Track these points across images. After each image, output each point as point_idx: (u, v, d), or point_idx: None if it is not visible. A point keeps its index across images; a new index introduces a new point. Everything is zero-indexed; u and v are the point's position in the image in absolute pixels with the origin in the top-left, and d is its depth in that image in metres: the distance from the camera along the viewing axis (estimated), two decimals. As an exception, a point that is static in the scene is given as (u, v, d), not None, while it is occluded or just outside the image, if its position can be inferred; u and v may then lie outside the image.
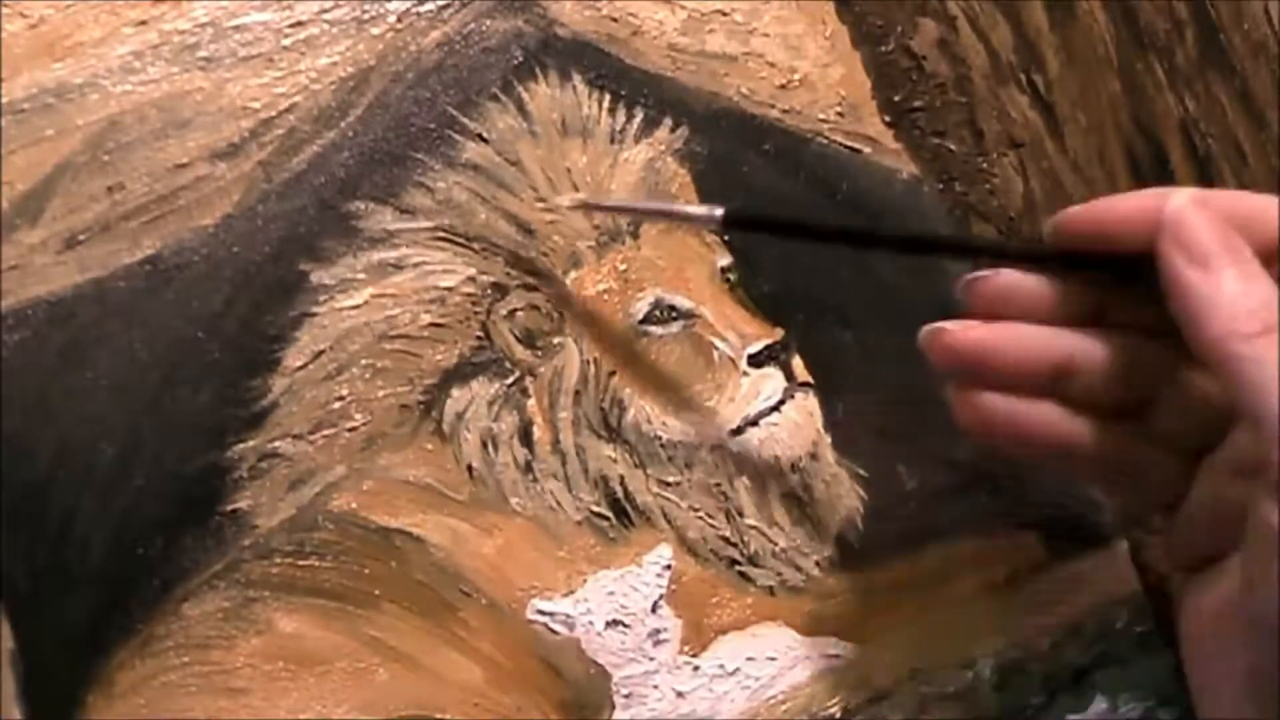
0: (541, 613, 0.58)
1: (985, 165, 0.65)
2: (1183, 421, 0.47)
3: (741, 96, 0.63)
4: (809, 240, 0.57)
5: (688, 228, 0.61)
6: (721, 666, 0.59)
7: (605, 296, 0.60)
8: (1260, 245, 0.43)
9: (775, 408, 0.60)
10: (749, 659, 0.59)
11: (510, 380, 0.59)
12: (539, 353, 0.60)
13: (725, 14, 0.64)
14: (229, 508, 0.57)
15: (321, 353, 0.58)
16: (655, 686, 0.58)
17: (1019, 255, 0.49)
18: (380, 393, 0.59)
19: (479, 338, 0.59)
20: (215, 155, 0.59)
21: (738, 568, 0.60)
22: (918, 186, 0.64)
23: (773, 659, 0.59)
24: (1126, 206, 0.46)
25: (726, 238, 0.62)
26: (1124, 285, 0.46)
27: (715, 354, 0.60)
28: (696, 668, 0.59)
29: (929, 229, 0.50)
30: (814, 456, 0.61)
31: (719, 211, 0.53)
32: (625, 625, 0.58)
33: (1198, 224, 0.43)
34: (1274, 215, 0.44)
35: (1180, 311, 0.42)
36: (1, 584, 0.55)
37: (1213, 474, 0.46)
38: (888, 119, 0.64)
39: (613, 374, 0.60)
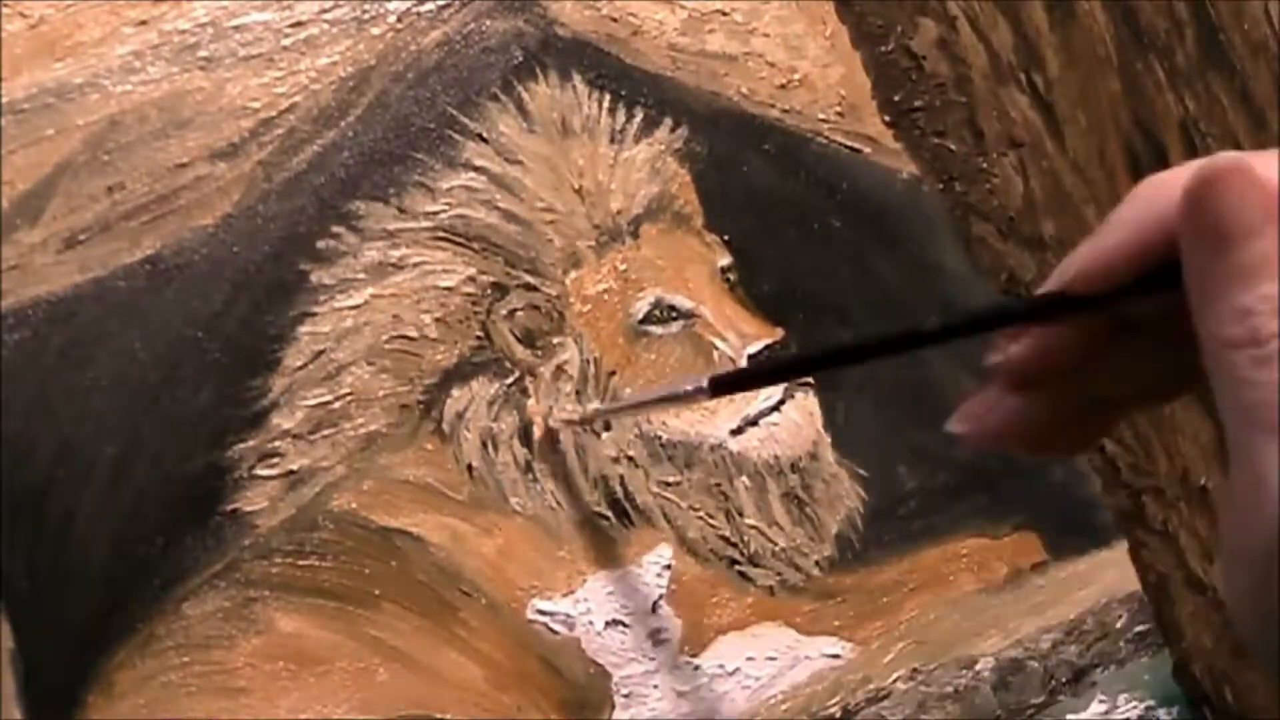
0: (541, 612, 0.58)
1: (985, 165, 0.65)
2: None
3: (742, 96, 0.63)
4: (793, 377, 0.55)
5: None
6: (721, 666, 0.59)
7: (605, 296, 0.60)
8: None
9: (775, 408, 0.60)
10: (749, 658, 0.59)
11: (510, 380, 0.59)
12: (539, 352, 0.60)
13: (725, 14, 0.64)
14: (229, 507, 0.57)
15: (321, 352, 0.58)
16: (655, 686, 0.58)
17: (1037, 313, 0.41)
18: (380, 392, 0.59)
19: (479, 338, 0.59)
20: (215, 155, 0.59)
21: (738, 567, 0.60)
22: (918, 186, 0.64)
23: (773, 659, 0.59)
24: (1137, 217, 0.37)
25: (726, 237, 0.62)
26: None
27: (715, 354, 0.60)
28: (697, 667, 0.59)
29: (924, 323, 0.45)
30: (814, 456, 0.61)
31: (704, 382, 0.48)
32: (625, 625, 0.58)
33: (1221, 194, 0.35)
34: None
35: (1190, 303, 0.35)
36: (2, 583, 0.55)
37: None
38: (888, 119, 0.64)
39: (613, 374, 0.60)
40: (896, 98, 0.65)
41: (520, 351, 0.59)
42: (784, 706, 0.59)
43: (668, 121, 0.62)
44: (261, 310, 0.58)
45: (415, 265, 0.59)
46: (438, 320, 0.59)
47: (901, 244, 0.64)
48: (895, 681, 0.60)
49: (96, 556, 0.55)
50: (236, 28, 0.60)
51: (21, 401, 0.56)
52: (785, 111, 0.64)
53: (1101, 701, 0.61)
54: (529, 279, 0.60)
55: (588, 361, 0.60)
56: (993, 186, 0.64)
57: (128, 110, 0.59)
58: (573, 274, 0.60)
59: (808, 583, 0.60)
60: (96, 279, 0.57)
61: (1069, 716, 0.61)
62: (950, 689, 0.60)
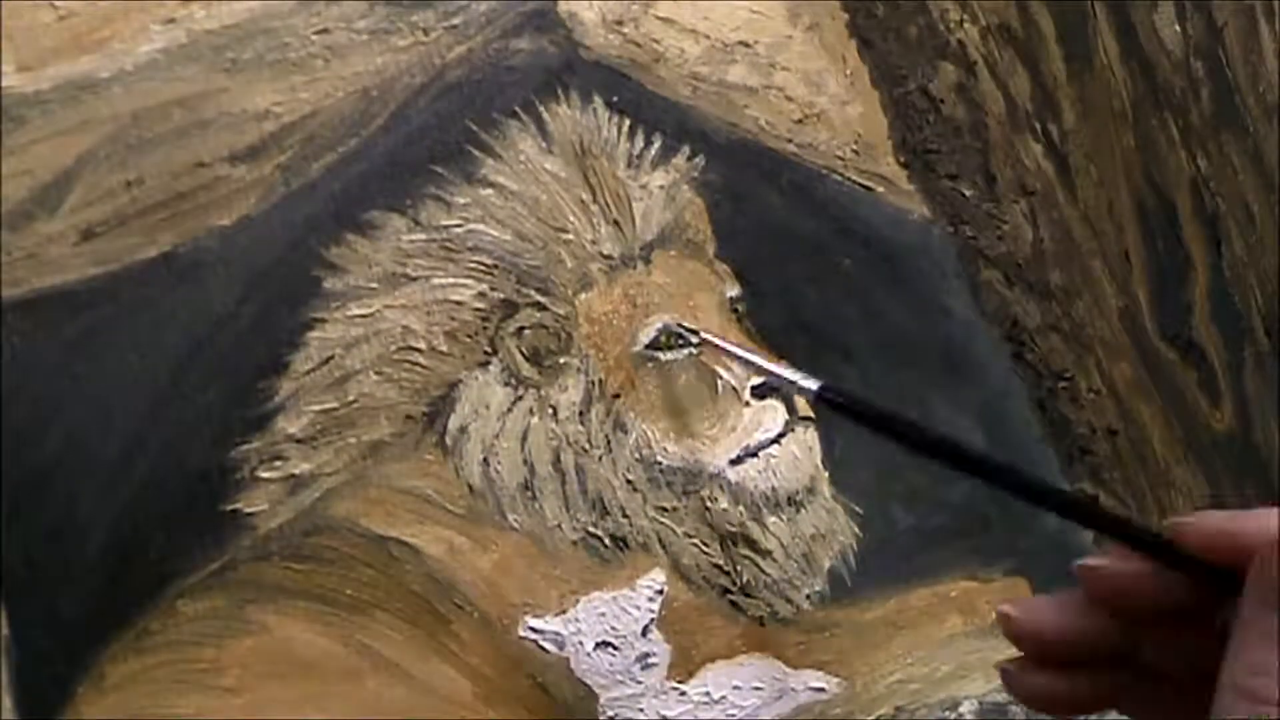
0: (533, 630, 0.58)
1: (996, 211, 0.65)
2: None
3: (760, 129, 0.64)
4: (901, 442, 0.49)
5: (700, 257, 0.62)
6: (707, 694, 0.59)
7: (614, 320, 0.61)
8: None
9: (775, 440, 0.61)
10: (735, 688, 0.59)
11: (515, 397, 0.60)
12: (545, 371, 0.60)
13: (748, 45, 0.64)
14: (230, 507, 0.57)
15: (330, 359, 0.59)
16: (641, 710, 0.59)
17: (1138, 540, 0.43)
18: (385, 402, 0.59)
19: (486, 353, 0.60)
20: (235, 156, 0.59)
21: (729, 596, 0.60)
22: (928, 228, 0.65)
23: (758, 689, 0.60)
24: (1254, 526, 0.41)
25: (737, 267, 0.62)
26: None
27: (719, 383, 0.61)
28: (683, 694, 0.59)
29: (1050, 483, 0.45)
30: (811, 491, 0.61)
31: (813, 385, 0.51)
32: (615, 647, 0.59)
33: None
34: None
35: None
36: (1, 571, 0.55)
37: None
38: (902, 159, 0.65)
39: (617, 397, 0.60)
40: (912, 139, 0.65)
41: (527, 369, 0.60)
42: (767, 736, 0.60)
43: (685, 149, 0.63)
44: (273, 313, 0.59)
45: (427, 278, 0.60)
46: (446, 333, 0.60)
47: (909, 285, 0.64)
48: (879, 719, 0.60)
49: (95, 548, 0.56)
50: (263, 31, 0.60)
51: (29, 390, 0.56)
52: (802, 146, 0.64)
53: (1081, 749, 0.61)
54: (539, 298, 0.60)
55: (592, 383, 0.60)
56: (1002, 233, 0.65)
57: (151, 107, 0.59)
58: (583, 295, 0.61)
59: (798, 615, 0.61)
60: (111, 273, 0.58)
61: (1048, 762, 0.61)
62: (932, 728, 0.61)
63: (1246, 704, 0.37)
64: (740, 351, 0.59)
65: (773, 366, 0.56)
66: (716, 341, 0.59)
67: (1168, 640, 0.43)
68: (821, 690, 0.60)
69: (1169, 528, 0.42)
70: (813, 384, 0.51)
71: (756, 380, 0.61)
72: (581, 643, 0.58)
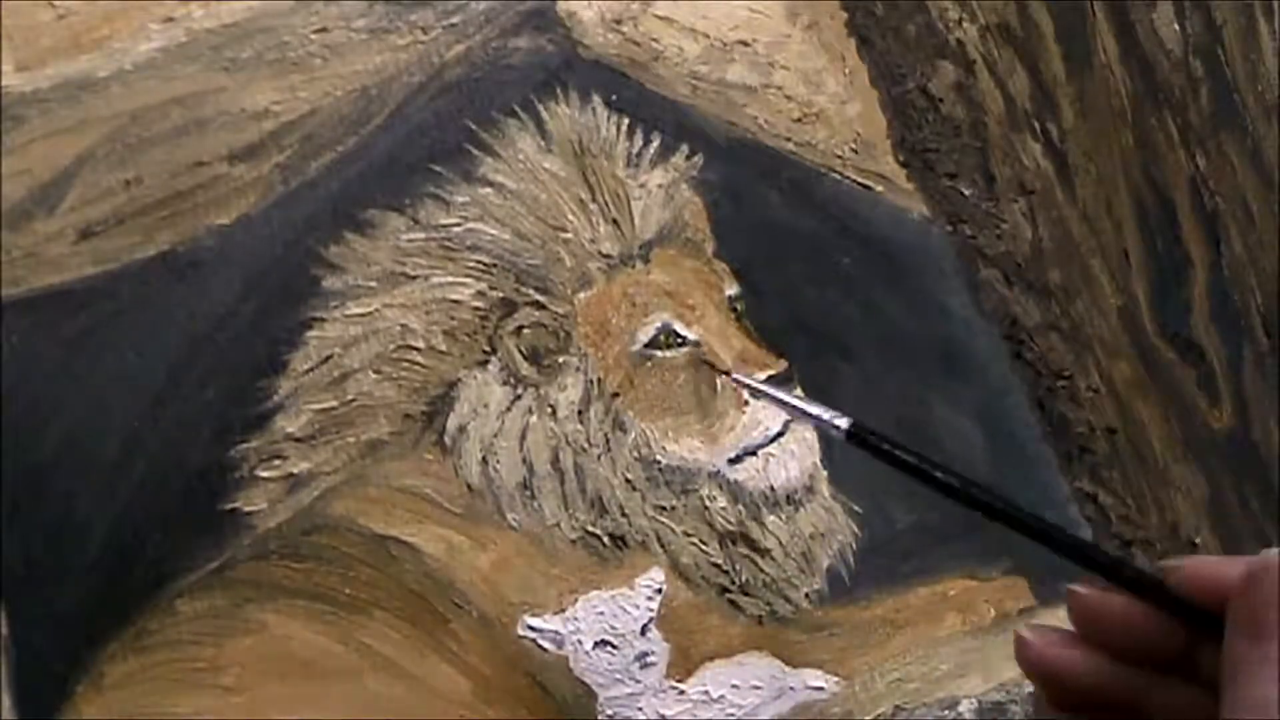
0: (532, 629, 0.58)
1: (995, 210, 0.65)
2: None
3: (759, 128, 0.64)
4: (924, 482, 0.49)
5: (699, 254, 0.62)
6: (706, 693, 0.59)
7: (613, 318, 0.61)
8: None
9: (774, 439, 0.61)
10: (734, 686, 0.59)
11: (514, 396, 0.60)
12: (544, 370, 0.60)
13: (747, 44, 0.64)
14: (228, 506, 0.57)
15: (329, 358, 0.59)
16: (640, 709, 0.59)
17: (1128, 581, 0.43)
18: (384, 401, 0.59)
19: (485, 352, 0.60)
20: (234, 155, 0.59)
21: (728, 595, 0.60)
22: (927, 227, 0.65)
23: (757, 688, 0.60)
24: (1237, 569, 0.40)
25: (736, 266, 0.62)
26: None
27: (718, 382, 0.61)
28: (682, 692, 0.59)
29: (1056, 526, 0.46)
30: (810, 489, 0.61)
31: (844, 423, 0.49)
32: (614, 646, 0.59)
33: (1265, 589, 0.38)
34: None
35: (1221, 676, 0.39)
36: (1, 571, 0.55)
37: None
38: (901, 158, 0.65)
39: (616, 396, 0.60)
40: (911, 138, 0.65)
41: (525, 368, 0.60)
42: (766, 736, 0.60)
43: (684, 148, 0.63)
44: (272, 312, 0.59)
45: (426, 276, 0.60)
46: (445, 332, 0.60)
47: (908, 283, 0.64)
48: (878, 718, 0.60)
49: (94, 547, 0.56)
50: (262, 30, 0.60)
51: (28, 389, 0.56)
52: (801, 145, 0.64)
53: (1080, 748, 0.61)
54: (538, 297, 0.60)
55: (591, 382, 0.60)
56: (1001, 232, 0.65)
57: (150, 106, 0.59)
58: (581, 294, 0.61)
59: (797, 614, 0.61)
60: (110, 272, 0.58)
61: (1047, 761, 0.61)
62: (931, 727, 0.61)
63: None
64: (771, 391, 0.58)
65: (803, 404, 0.54)
66: (746, 381, 0.59)
67: (1169, 691, 0.42)
68: (820, 689, 0.60)
69: (1158, 569, 0.42)
70: (844, 421, 0.50)
71: (757, 379, 0.60)
72: (580, 641, 0.58)
